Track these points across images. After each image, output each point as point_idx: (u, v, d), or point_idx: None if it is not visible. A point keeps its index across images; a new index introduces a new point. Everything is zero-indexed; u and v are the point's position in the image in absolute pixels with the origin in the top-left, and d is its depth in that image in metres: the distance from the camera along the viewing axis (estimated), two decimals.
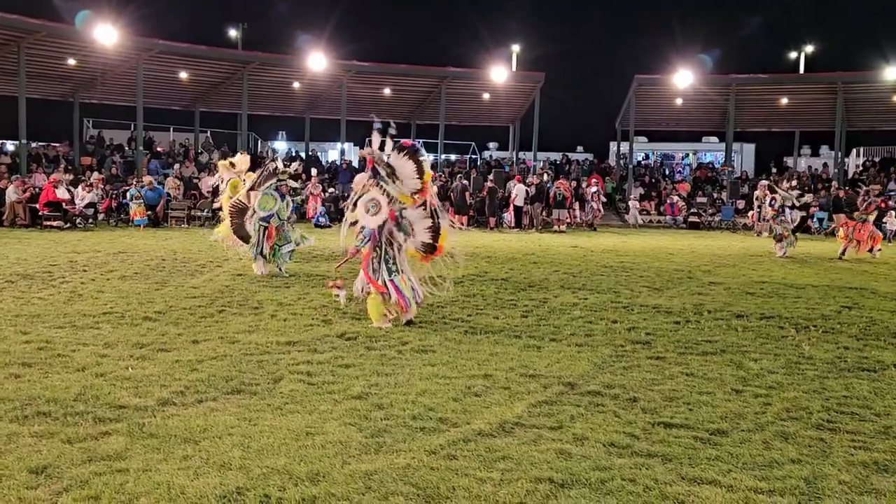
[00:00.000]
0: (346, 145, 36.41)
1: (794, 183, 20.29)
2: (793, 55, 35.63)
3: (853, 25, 52.54)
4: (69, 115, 31.86)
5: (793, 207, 18.41)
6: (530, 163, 35.88)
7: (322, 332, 8.10)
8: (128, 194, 23.03)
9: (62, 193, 21.78)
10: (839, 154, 34.14)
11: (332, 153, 40.43)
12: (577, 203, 28.77)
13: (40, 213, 21.25)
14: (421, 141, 40.33)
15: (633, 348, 7.71)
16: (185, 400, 5.65)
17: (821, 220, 28.91)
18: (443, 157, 35.84)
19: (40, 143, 31.56)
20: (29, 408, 5.35)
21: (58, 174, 23.68)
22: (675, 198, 31.65)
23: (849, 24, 53.59)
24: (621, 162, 37.74)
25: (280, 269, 12.53)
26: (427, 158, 8.77)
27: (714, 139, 44.84)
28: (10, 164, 26.46)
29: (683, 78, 32.33)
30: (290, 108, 37.40)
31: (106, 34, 25.51)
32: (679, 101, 35.11)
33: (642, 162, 42.75)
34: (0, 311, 8.86)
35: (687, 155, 46.15)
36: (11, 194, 21.48)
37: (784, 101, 34.62)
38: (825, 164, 38.46)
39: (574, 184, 30.22)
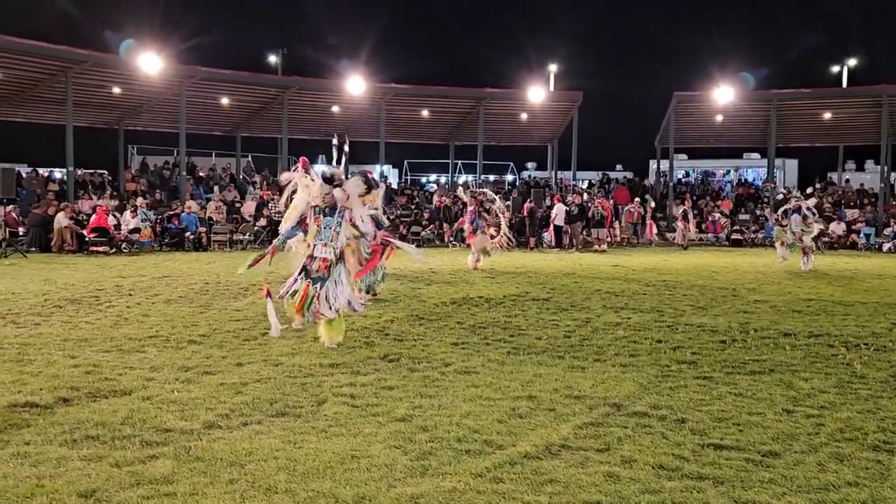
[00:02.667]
0: (386, 167, 36.55)
1: (796, 195, 20.17)
2: (835, 69, 35.13)
3: None
4: (114, 143, 32.46)
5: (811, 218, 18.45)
6: (569, 182, 35.75)
7: (365, 354, 8.10)
8: (138, 214, 23.28)
9: (111, 219, 22.19)
10: (885, 168, 33.47)
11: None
12: (618, 222, 28.64)
13: (87, 239, 21.64)
14: (459, 162, 40.54)
15: (679, 368, 7.60)
16: (231, 423, 5.67)
17: (867, 236, 28.37)
18: (482, 177, 35.81)
19: (87, 171, 32.19)
20: (77, 431, 5.41)
21: (104, 200, 24.10)
22: (717, 215, 31.29)
23: (893, 36, 52.78)
24: (661, 180, 37.41)
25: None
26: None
27: (756, 155, 44.28)
28: (58, 190, 26.99)
29: (724, 94, 31.99)
30: (329, 132, 37.60)
31: (150, 62, 25.98)
32: (719, 118, 34.73)
33: (683, 179, 42.35)
34: (49, 335, 9.00)
35: (728, 172, 45.64)
36: (62, 221, 21.89)
37: (827, 115, 34.08)
38: (847, 181, 37.73)
39: (613, 202, 30.02)
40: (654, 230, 29.52)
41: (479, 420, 5.75)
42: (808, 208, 18.83)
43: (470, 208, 17.99)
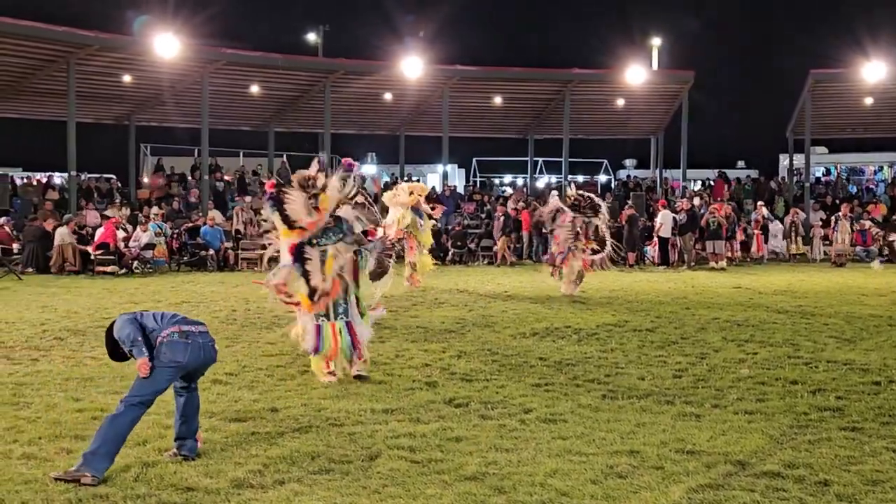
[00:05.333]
0: (450, 167, 36.76)
1: None
2: None
3: None
4: (125, 141, 33.23)
5: None
6: (677, 184, 35.40)
7: (426, 398, 8.14)
8: (149, 227, 23.72)
9: (121, 233, 22.68)
10: None
11: (431, 177, 40.88)
12: (739, 232, 28.16)
13: (92, 257, 22.10)
14: (540, 160, 40.48)
15: (819, 416, 7.48)
16: (264, 481, 5.75)
17: None
18: (568, 177, 35.71)
19: (91, 175, 33.05)
20: (83, 490, 5.54)
21: (113, 210, 24.63)
22: (868, 223, 30.61)
23: None
24: (794, 179, 36.79)
25: None
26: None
27: None
28: (58, 199, 27.62)
29: (875, 71, 31.25)
30: (381, 125, 38.07)
31: (166, 45, 26.40)
32: (869, 101, 34.02)
33: (822, 178, 41.60)
34: (49, 373, 9.25)
35: (881, 168, 44.69)
36: (64, 236, 22.35)
37: None
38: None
39: (732, 206, 29.52)
40: (764, 245, 28.60)
41: (568, 480, 5.74)
42: None
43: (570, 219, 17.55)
